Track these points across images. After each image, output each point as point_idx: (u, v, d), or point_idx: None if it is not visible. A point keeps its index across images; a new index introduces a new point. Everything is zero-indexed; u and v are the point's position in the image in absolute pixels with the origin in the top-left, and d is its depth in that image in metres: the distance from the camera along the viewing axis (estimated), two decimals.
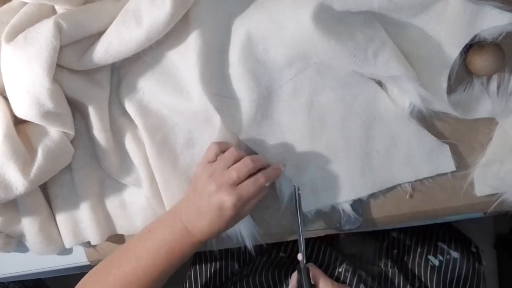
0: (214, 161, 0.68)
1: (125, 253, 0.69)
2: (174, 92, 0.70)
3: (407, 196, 0.73)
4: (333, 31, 0.65)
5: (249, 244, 0.75)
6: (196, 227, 0.66)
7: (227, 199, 0.63)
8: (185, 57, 0.69)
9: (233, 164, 0.66)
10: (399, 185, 0.73)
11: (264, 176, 0.66)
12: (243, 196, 0.64)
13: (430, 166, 0.72)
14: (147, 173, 0.71)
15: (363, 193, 0.73)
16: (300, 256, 0.69)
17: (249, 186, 0.65)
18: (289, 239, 0.77)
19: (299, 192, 0.70)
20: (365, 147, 0.72)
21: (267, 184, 0.67)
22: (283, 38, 0.68)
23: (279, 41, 0.69)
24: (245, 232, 0.74)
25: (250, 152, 0.73)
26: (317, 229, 0.76)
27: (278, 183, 0.73)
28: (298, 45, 0.68)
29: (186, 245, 0.67)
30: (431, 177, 0.73)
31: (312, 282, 0.69)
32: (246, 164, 0.66)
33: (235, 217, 0.66)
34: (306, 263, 0.70)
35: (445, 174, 0.72)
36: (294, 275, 0.71)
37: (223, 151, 0.68)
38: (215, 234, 0.67)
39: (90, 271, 0.70)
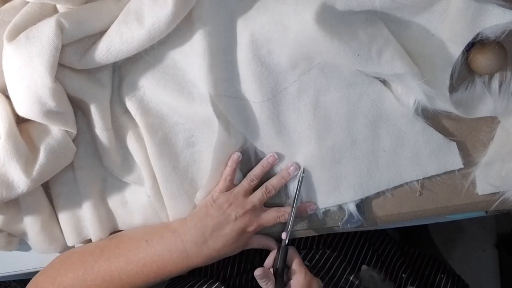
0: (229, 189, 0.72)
1: (118, 250, 0.70)
2: (175, 92, 0.70)
3: (417, 194, 0.73)
4: (336, 31, 0.65)
5: None
6: (201, 250, 0.69)
7: (251, 224, 0.69)
8: (190, 58, 0.69)
9: (251, 190, 0.72)
10: (404, 183, 0.73)
11: (287, 214, 0.71)
12: (264, 224, 0.71)
13: (438, 164, 0.72)
14: (148, 172, 0.71)
15: (370, 192, 0.73)
16: (284, 235, 0.71)
17: (271, 217, 0.71)
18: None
19: (303, 174, 0.71)
20: (372, 146, 0.72)
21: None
22: (286, 39, 0.68)
23: (283, 42, 0.69)
24: None
25: (256, 153, 0.74)
26: (316, 228, 0.76)
27: None
28: (301, 46, 0.68)
29: (179, 266, 0.70)
30: (436, 175, 0.73)
31: (288, 265, 0.71)
32: (268, 191, 0.71)
33: (245, 244, 0.72)
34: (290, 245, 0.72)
35: (449, 172, 0.72)
36: (273, 253, 0.72)
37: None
38: (217, 258, 0.71)
39: (78, 248, 0.73)
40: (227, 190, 0.71)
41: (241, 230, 0.69)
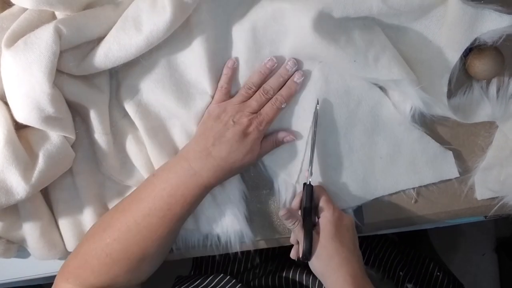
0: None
1: (129, 197, 0.68)
2: (174, 94, 0.70)
3: (412, 201, 0.73)
4: (333, 37, 0.66)
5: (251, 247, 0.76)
6: (207, 163, 0.65)
7: (250, 124, 0.66)
8: (188, 61, 0.70)
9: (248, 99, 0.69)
10: (402, 190, 0.73)
11: (280, 96, 0.68)
12: (265, 120, 0.67)
13: (434, 172, 0.72)
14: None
15: (366, 199, 0.73)
16: (306, 173, 0.68)
17: (268, 109, 0.68)
18: (288, 243, 0.76)
19: (318, 106, 0.69)
20: (368, 153, 0.72)
21: (283, 106, 0.69)
22: (284, 44, 0.69)
23: (281, 47, 0.70)
24: (235, 235, 0.75)
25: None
26: None
27: (276, 184, 0.74)
28: (299, 51, 0.68)
29: (189, 187, 0.65)
30: (433, 183, 0.73)
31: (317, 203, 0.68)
32: (266, 92, 0.68)
33: (255, 150, 0.67)
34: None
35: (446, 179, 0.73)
36: (299, 193, 0.69)
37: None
38: (228, 170, 0.67)
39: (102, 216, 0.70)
40: (224, 101, 0.69)
41: (241, 132, 0.66)
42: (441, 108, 0.68)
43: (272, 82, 0.69)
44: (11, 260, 0.77)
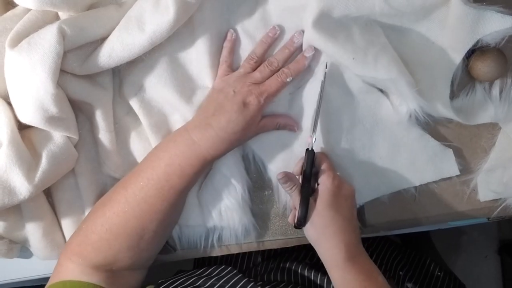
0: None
1: (131, 171, 0.66)
2: (176, 88, 0.70)
3: (414, 200, 0.73)
4: (333, 34, 0.66)
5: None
6: (205, 133, 0.64)
7: (250, 94, 0.65)
8: (192, 59, 0.70)
9: (252, 71, 0.68)
10: (403, 190, 0.73)
11: (287, 69, 0.67)
12: (266, 91, 0.66)
13: (434, 171, 0.72)
14: None
15: (367, 198, 0.73)
16: (309, 138, 0.67)
17: (272, 81, 0.66)
18: (289, 245, 0.77)
19: (326, 70, 0.68)
20: (368, 153, 0.72)
21: (288, 80, 0.67)
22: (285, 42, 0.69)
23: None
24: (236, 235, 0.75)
25: (254, 159, 0.74)
26: None
27: (276, 185, 0.74)
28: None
29: (188, 157, 0.64)
30: (435, 182, 0.73)
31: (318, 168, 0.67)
32: (270, 63, 0.67)
33: (255, 117, 0.66)
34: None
35: (449, 179, 0.72)
36: (301, 159, 0.68)
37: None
38: (228, 140, 0.65)
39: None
40: (227, 75, 0.69)
41: (241, 102, 0.64)
42: (444, 109, 0.68)
43: (277, 54, 0.68)
44: (13, 261, 0.78)
